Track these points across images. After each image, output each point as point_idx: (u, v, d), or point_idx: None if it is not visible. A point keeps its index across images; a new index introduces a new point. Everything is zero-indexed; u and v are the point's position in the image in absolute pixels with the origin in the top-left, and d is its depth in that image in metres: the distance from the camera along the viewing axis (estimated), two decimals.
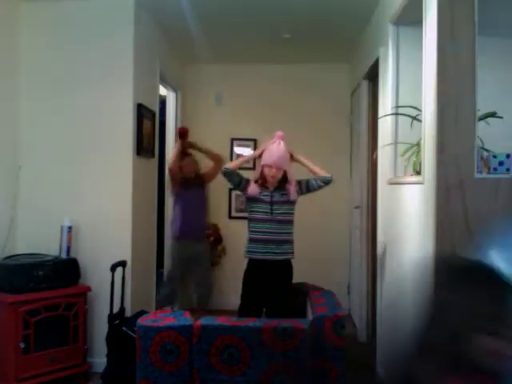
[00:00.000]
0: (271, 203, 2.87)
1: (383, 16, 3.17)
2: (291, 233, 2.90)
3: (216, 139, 4.70)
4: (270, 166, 2.88)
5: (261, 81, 4.93)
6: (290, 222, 2.91)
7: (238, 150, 4.95)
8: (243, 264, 2.96)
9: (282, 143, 2.91)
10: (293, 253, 2.89)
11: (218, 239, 4.81)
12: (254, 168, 4.78)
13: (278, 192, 2.90)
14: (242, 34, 4.11)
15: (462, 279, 0.98)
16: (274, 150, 2.91)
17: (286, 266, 2.88)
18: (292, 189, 2.90)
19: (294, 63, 4.87)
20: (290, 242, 2.89)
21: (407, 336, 1.07)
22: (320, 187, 2.95)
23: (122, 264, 3.18)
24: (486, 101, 2.06)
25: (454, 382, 0.91)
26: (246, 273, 2.91)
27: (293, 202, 2.93)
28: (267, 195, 2.89)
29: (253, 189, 2.93)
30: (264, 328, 2.33)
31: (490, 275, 0.93)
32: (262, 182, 2.94)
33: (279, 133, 2.94)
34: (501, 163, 1.97)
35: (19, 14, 3.35)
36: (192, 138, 4.87)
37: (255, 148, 4.85)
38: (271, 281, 2.84)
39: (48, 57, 3.37)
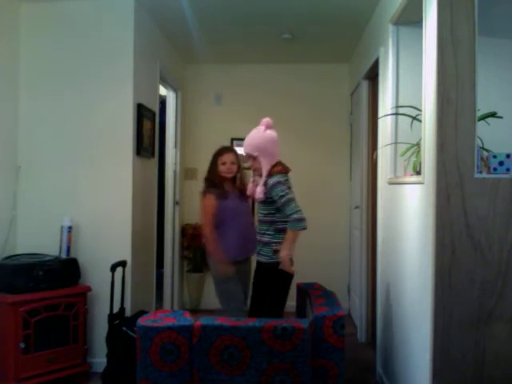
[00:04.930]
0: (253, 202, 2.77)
1: (383, 16, 3.17)
2: (264, 234, 2.70)
3: (216, 139, 4.69)
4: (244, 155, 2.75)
5: (261, 81, 4.93)
6: (263, 222, 2.71)
7: (238, 149, 4.93)
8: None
9: (261, 128, 2.68)
10: (266, 255, 2.69)
11: None
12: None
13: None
14: (242, 33, 4.11)
15: None
16: (249, 135, 2.74)
17: (258, 268, 2.75)
18: (258, 188, 2.64)
19: (294, 63, 4.88)
20: (261, 242, 2.71)
21: None
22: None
23: (122, 264, 3.18)
24: (486, 101, 2.06)
25: None
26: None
27: (263, 202, 2.66)
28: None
29: (249, 189, 2.83)
30: (264, 328, 2.33)
31: None
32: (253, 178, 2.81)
33: (265, 119, 2.72)
34: (501, 163, 1.97)
35: (19, 14, 3.35)
36: (192, 137, 4.90)
37: None
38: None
39: (48, 57, 3.37)
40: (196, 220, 4.54)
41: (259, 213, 2.75)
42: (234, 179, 3.10)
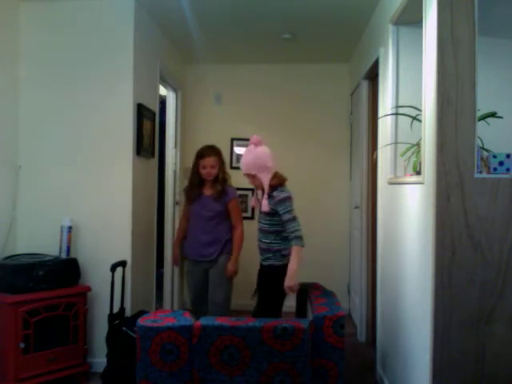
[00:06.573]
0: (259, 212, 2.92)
1: (383, 16, 3.17)
2: (271, 243, 2.82)
3: (216, 139, 4.68)
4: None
5: (261, 81, 4.93)
6: (269, 233, 2.82)
7: (237, 149, 4.94)
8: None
9: (252, 147, 2.85)
10: (275, 259, 2.81)
11: None
12: None
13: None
14: (241, 33, 4.10)
15: None
16: (243, 155, 2.93)
17: (266, 271, 2.88)
18: (263, 201, 2.79)
19: (294, 63, 4.88)
20: (270, 250, 2.82)
21: None
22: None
23: (122, 264, 3.18)
24: (486, 101, 2.06)
25: None
26: None
27: (268, 214, 2.80)
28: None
29: (252, 201, 3.07)
30: (264, 328, 2.33)
31: None
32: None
33: (253, 137, 2.88)
34: (501, 163, 1.97)
35: (19, 13, 3.35)
36: (192, 137, 4.90)
37: None
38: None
39: (48, 57, 3.37)
40: None
41: (264, 224, 2.86)
42: (216, 178, 3.29)
